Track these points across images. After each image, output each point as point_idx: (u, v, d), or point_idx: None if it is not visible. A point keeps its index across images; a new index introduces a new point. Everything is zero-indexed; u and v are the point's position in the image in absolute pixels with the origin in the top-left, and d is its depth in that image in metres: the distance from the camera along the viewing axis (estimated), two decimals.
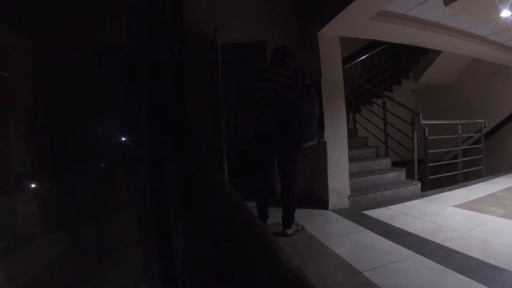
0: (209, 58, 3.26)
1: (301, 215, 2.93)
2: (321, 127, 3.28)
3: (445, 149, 4.87)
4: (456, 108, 6.01)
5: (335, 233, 2.61)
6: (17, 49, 0.37)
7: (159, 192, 0.63)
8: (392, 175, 3.98)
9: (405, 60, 6.57)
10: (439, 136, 4.28)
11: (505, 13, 3.08)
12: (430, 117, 4.33)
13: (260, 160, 2.61)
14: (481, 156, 4.94)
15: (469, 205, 3.09)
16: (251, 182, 2.74)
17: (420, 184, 3.87)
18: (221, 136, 2.88)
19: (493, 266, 1.78)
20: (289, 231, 2.54)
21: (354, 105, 5.34)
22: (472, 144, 5.31)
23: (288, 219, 2.55)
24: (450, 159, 4.96)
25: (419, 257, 1.99)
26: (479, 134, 5.08)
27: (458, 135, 4.58)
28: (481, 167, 4.91)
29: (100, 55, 0.59)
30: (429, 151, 4.07)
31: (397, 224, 2.68)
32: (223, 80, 3.13)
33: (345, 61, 4.97)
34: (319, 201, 3.37)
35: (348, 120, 3.88)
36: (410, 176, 4.05)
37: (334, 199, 3.28)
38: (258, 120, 2.50)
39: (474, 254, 1.95)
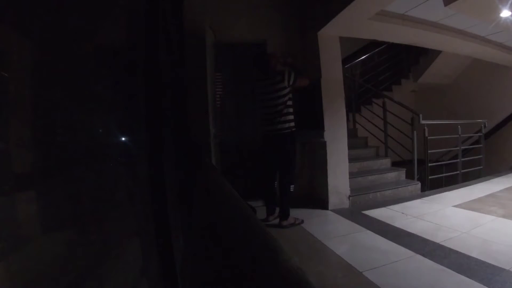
0: (206, 58, 3.26)
1: (301, 215, 2.94)
2: (321, 127, 3.28)
3: (445, 149, 4.87)
4: (456, 108, 6.01)
5: (335, 233, 2.61)
6: (17, 49, 0.37)
7: (159, 192, 0.63)
8: (392, 175, 3.98)
9: (405, 60, 6.57)
10: (439, 136, 4.28)
11: (505, 13, 3.08)
12: (430, 117, 4.33)
13: (265, 159, 2.87)
14: (481, 156, 4.94)
15: (469, 205, 3.09)
16: (259, 179, 3.02)
17: (420, 184, 3.87)
18: (210, 135, 2.90)
19: (493, 266, 1.78)
20: (284, 223, 2.74)
21: (354, 105, 5.34)
22: (472, 144, 5.31)
23: (282, 212, 2.76)
24: (450, 159, 4.96)
25: (419, 257, 1.99)
26: (479, 134, 5.08)
27: (458, 135, 4.58)
28: (481, 167, 4.91)
29: (99, 55, 0.59)
30: (429, 151, 4.07)
31: (397, 224, 2.68)
32: (212, 79, 3.13)
33: (345, 61, 4.98)
34: (319, 201, 3.37)
35: (348, 120, 3.88)
36: (410, 176, 4.05)
37: (334, 199, 3.28)
38: (261, 125, 2.85)
39: (474, 254, 1.95)
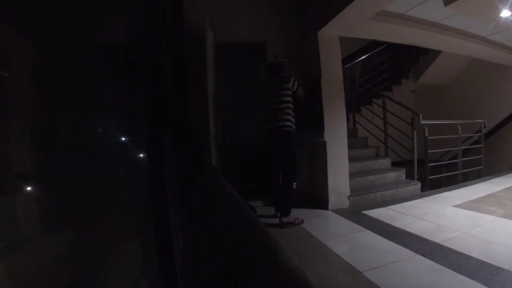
0: (206, 58, 3.26)
1: (301, 215, 2.94)
2: (321, 127, 3.29)
3: (445, 149, 4.87)
4: (456, 108, 6.01)
5: (335, 233, 2.61)
6: (17, 49, 0.37)
7: (159, 192, 0.63)
8: (392, 175, 3.98)
9: (405, 60, 6.57)
10: (439, 136, 4.28)
11: (505, 13, 3.08)
12: (430, 117, 4.33)
13: (273, 156, 2.92)
14: (481, 156, 4.94)
15: (469, 205, 3.09)
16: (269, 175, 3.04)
17: (420, 184, 3.87)
18: (209, 135, 2.91)
19: (493, 266, 1.78)
20: (284, 219, 2.79)
21: (354, 105, 5.34)
22: (472, 144, 5.31)
23: (282, 209, 2.82)
24: (450, 159, 4.96)
25: (419, 257, 1.99)
26: (479, 134, 5.08)
27: (458, 135, 4.58)
28: (481, 167, 4.91)
29: (100, 55, 0.59)
30: (429, 151, 4.07)
31: (397, 224, 2.68)
32: (212, 79, 3.13)
33: (345, 61, 4.97)
34: (319, 201, 3.37)
35: (348, 120, 3.88)
36: (410, 176, 4.05)
37: (334, 199, 3.28)
38: (264, 124, 2.93)
39: (474, 254, 1.95)
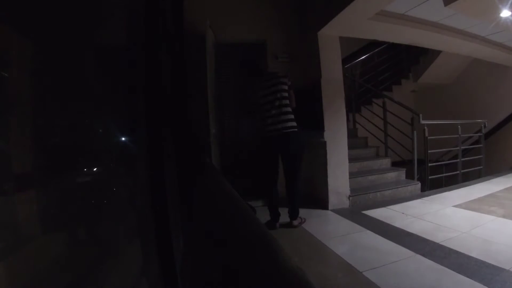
0: (206, 58, 3.26)
1: (301, 215, 2.93)
2: (321, 127, 3.29)
3: (445, 149, 4.87)
4: (456, 108, 6.01)
5: (335, 233, 2.61)
6: (17, 49, 0.37)
7: (159, 192, 0.63)
8: (392, 175, 3.99)
9: (405, 60, 6.57)
10: (439, 136, 4.28)
11: (505, 13, 3.08)
12: (430, 117, 4.33)
13: (269, 162, 2.77)
14: (481, 156, 4.94)
15: (469, 205, 3.09)
16: (262, 183, 2.95)
17: (420, 184, 3.87)
18: (209, 135, 2.91)
19: (493, 266, 1.78)
20: (295, 223, 2.76)
21: (354, 105, 5.34)
22: (472, 144, 5.31)
23: (294, 212, 2.76)
24: (450, 159, 4.97)
25: (419, 257, 1.99)
26: (479, 134, 5.09)
27: (458, 135, 4.58)
28: (481, 167, 4.92)
29: (99, 55, 0.59)
30: (429, 151, 4.07)
31: (397, 224, 2.68)
32: (212, 79, 3.13)
33: (345, 61, 4.98)
34: (319, 201, 3.37)
35: (348, 120, 3.88)
36: (410, 176, 4.05)
37: (334, 199, 3.28)
38: (263, 126, 2.72)
39: (474, 254, 1.95)
